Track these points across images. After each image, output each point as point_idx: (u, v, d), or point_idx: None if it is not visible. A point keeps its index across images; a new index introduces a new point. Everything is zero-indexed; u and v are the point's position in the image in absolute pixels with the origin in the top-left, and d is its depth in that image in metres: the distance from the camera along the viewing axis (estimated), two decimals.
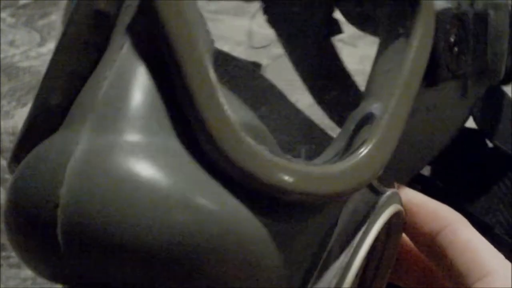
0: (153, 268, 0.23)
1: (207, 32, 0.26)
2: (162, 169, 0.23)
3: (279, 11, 0.45)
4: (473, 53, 0.34)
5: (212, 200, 0.23)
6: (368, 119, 0.29)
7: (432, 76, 0.31)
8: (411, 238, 0.31)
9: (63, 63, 0.28)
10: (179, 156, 0.24)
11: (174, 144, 0.24)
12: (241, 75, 0.37)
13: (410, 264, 0.32)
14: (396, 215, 0.30)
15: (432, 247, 0.30)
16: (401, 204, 0.30)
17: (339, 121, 0.44)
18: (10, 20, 0.83)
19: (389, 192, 0.29)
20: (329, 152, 0.29)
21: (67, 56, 0.27)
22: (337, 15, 0.45)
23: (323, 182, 0.25)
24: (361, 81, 0.44)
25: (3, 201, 0.25)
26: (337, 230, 0.27)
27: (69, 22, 0.27)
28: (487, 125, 0.39)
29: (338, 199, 0.27)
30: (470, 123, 0.38)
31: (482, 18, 0.35)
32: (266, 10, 0.46)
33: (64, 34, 0.27)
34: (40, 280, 0.28)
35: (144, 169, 0.23)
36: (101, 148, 0.23)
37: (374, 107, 0.29)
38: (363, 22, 0.41)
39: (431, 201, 0.31)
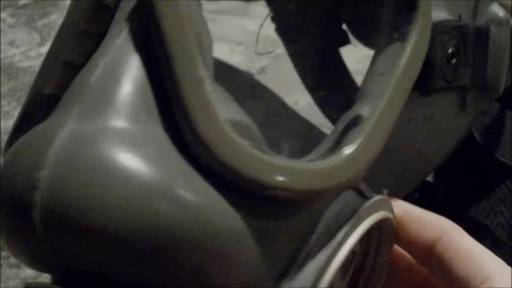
0: (127, 253, 0.23)
1: (207, 32, 0.26)
2: (144, 157, 0.23)
3: (287, 20, 0.46)
4: (472, 67, 0.34)
5: (191, 191, 0.24)
6: (356, 121, 0.29)
7: (426, 84, 0.32)
8: (407, 249, 0.31)
9: (59, 53, 0.28)
10: (163, 146, 0.24)
11: (160, 134, 0.24)
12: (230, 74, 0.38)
13: (404, 274, 0.33)
14: (386, 222, 0.30)
15: (430, 256, 0.30)
16: (392, 212, 0.30)
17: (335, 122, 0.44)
18: (10, 20, 0.83)
19: (377, 197, 0.29)
20: (316, 151, 0.29)
21: (63, 46, 0.28)
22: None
23: (303, 179, 0.26)
24: (360, 81, 0.44)
25: None
26: (318, 230, 0.27)
27: (69, 12, 0.27)
28: (488, 140, 0.40)
29: (318, 197, 0.27)
30: None
31: (483, 33, 0.35)
32: (274, 19, 0.46)
33: (62, 24, 0.28)
34: (41, 280, 0.28)
35: (126, 156, 0.23)
36: (85, 133, 0.23)
37: (364, 109, 0.29)
38: (358, 29, 0.41)
39: (426, 212, 0.31)
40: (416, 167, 0.35)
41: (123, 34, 0.25)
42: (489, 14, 0.36)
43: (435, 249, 0.30)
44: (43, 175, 0.23)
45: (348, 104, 0.30)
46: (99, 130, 0.23)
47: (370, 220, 0.28)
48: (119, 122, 0.24)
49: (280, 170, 0.25)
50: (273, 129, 0.43)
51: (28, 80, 0.73)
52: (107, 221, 0.23)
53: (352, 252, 0.29)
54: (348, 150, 0.27)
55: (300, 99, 0.54)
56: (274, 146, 0.28)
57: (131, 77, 0.24)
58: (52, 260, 0.24)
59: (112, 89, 0.24)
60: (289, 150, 0.32)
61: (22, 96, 0.71)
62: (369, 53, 0.33)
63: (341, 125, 0.29)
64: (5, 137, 0.66)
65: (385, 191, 0.30)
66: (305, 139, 0.45)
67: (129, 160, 0.23)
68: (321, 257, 0.27)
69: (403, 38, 0.30)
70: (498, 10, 0.36)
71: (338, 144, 0.28)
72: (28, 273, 0.50)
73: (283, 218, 0.26)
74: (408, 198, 0.33)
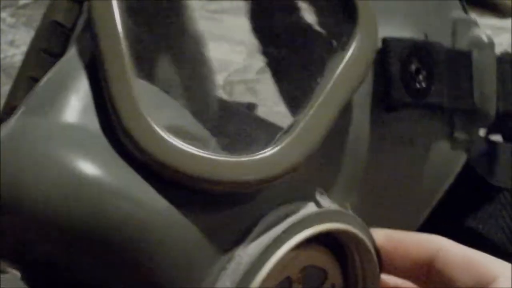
0: (67, 244, 0.25)
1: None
2: (78, 152, 0.26)
3: (265, 22, 0.46)
4: (455, 89, 0.35)
5: (120, 184, 0.26)
6: (291, 125, 0.30)
7: (386, 98, 0.33)
8: (399, 275, 0.32)
9: (24, 68, 0.33)
10: (98, 142, 0.27)
11: (96, 129, 0.27)
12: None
13: None
14: (361, 246, 0.30)
15: (429, 274, 0.30)
16: (364, 229, 0.30)
17: None
18: (10, 20, 0.83)
19: (331, 207, 0.30)
20: (253, 150, 0.30)
21: (29, 62, 0.33)
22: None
23: (225, 170, 0.27)
24: None
25: None
26: (257, 229, 0.28)
27: (36, 31, 0.32)
28: (485, 170, 0.40)
29: (243, 189, 0.28)
30: None
31: (464, 56, 0.36)
32: (252, 18, 0.47)
33: (30, 41, 0.32)
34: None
35: (60, 149, 0.26)
36: (25, 127, 0.26)
37: (301, 115, 0.30)
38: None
39: (411, 234, 0.31)
40: (410, 200, 0.36)
41: (72, 51, 0.29)
42: (471, 38, 0.36)
43: (435, 265, 0.30)
44: None
45: None
46: (38, 125, 0.26)
47: (313, 230, 0.29)
48: (57, 119, 0.27)
49: (203, 161, 0.27)
50: None
51: None
52: (37, 212, 0.25)
53: (323, 271, 0.30)
54: (272, 149, 0.28)
55: None
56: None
57: (73, 82, 0.28)
58: (6, 252, 0.27)
59: (55, 92, 0.27)
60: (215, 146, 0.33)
61: None
62: None
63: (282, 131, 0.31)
64: None
65: (348, 205, 0.31)
66: None
67: (62, 154, 0.25)
68: (252, 250, 0.28)
69: (343, 47, 0.31)
70: (481, 34, 0.36)
71: (271, 145, 0.29)
72: None
73: (217, 213, 0.28)
74: None
